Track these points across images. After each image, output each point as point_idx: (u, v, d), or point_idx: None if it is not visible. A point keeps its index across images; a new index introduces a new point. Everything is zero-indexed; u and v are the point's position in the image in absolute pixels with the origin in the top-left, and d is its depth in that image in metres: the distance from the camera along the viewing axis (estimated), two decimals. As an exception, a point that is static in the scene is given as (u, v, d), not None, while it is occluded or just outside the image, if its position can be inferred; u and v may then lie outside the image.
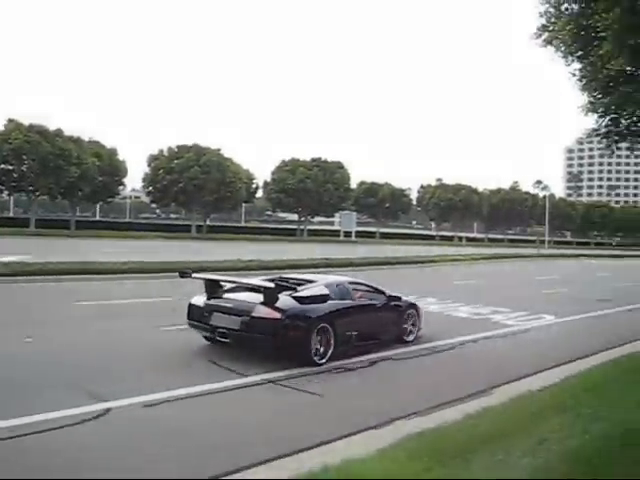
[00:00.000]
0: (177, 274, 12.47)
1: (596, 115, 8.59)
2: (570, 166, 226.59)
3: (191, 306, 11.12)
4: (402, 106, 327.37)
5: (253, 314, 10.07)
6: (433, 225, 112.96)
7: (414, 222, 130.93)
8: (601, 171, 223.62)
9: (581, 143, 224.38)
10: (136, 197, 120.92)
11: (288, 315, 10.08)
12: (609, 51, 7.08)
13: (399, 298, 12.83)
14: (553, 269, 45.54)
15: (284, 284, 11.26)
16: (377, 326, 12.10)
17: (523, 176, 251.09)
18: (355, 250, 50.74)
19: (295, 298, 10.55)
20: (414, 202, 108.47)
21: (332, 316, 10.68)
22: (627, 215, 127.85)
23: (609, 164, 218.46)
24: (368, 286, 12.75)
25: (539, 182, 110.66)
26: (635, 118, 8.28)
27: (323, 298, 10.87)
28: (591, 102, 8.66)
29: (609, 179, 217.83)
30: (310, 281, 11.79)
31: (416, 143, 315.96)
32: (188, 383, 8.65)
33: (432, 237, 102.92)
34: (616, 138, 8.68)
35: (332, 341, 10.50)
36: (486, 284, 29.63)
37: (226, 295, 11.06)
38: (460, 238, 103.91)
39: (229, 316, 10.30)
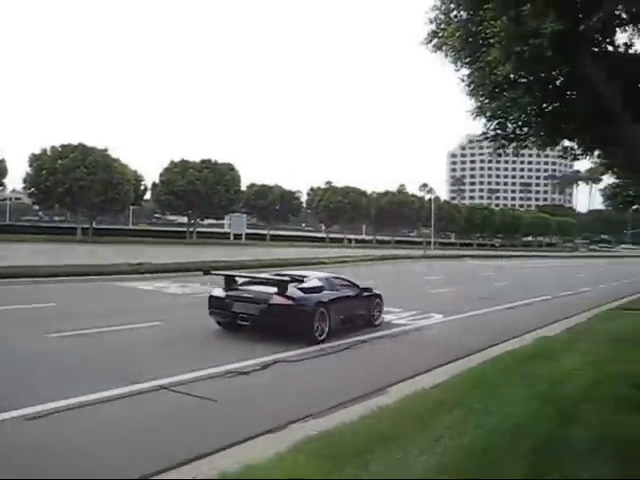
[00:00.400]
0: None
1: (484, 119, 8.88)
2: (453, 170, 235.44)
3: (212, 297, 13.58)
4: (294, 109, 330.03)
5: (270, 302, 12.58)
6: (323, 227, 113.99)
7: (304, 224, 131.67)
8: (482, 175, 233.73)
9: (463, 148, 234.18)
10: (17, 199, 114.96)
11: (297, 302, 12.68)
12: (497, 58, 7.35)
13: (370, 289, 15.82)
14: (439, 270, 47.01)
15: (286, 279, 13.70)
16: (356, 312, 14.91)
17: (410, 179, 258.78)
18: (244, 252, 50.33)
19: (300, 289, 13.20)
20: (304, 204, 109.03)
21: (327, 303, 13.34)
22: (506, 217, 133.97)
23: (489, 169, 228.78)
24: (345, 280, 15.53)
25: (425, 185, 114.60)
26: (520, 122, 8.61)
27: (319, 289, 13.64)
28: (479, 107, 8.92)
29: (489, 183, 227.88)
30: (305, 276, 14.44)
31: (306, 146, 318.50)
32: (73, 393, 8.15)
33: (322, 239, 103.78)
34: (503, 142, 8.99)
35: (327, 323, 13.15)
36: (376, 284, 30.03)
37: (242, 288, 13.65)
38: (349, 240, 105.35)
39: (249, 304, 12.77)
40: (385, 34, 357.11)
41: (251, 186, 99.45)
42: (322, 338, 12.88)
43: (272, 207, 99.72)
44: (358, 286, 15.39)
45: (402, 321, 16.78)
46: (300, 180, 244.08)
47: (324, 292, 13.71)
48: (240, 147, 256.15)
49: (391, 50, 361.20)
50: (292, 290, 12.93)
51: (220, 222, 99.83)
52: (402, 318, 17.25)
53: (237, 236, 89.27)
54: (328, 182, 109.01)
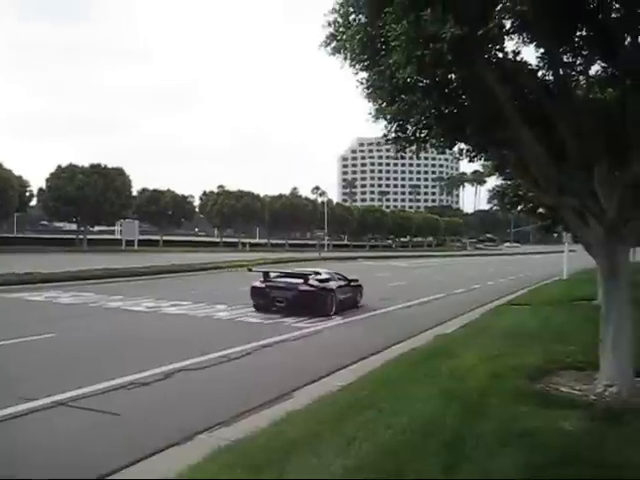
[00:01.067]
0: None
1: (384, 122, 8.97)
2: (345, 173, 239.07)
3: (253, 287, 19.31)
4: (187, 111, 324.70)
5: (299, 289, 18.53)
6: (217, 232, 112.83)
7: (197, 229, 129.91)
8: (372, 178, 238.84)
9: (354, 152, 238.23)
10: None
11: (317, 289, 18.69)
12: (397, 61, 7.43)
13: (356, 280, 21.71)
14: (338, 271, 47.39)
15: (308, 273, 20.03)
16: (349, 296, 20.63)
17: (303, 183, 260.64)
18: (137, 259, 48.90)
19: (317, 280, 19.27)
20: (197, 209, 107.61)
21: (334, 290, 19.31)
22: (397, 219, 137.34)
23: (379, 171, 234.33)
24: (340, 274, 21.30)
25: (317, 188, 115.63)
26: (420, 125, 8.78)
27: (328, 280, 19.78)
28: (378, 109, 9.00)
29: (380, 185, 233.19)
30: (317, 272, 20.57)
31: (199, 149, 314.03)
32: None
33: (216, 244, 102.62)
34: (404, 144, 9.13)
35: (335, 303, 19.05)
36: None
37: (276, 280, 19.53)
38: (244, 244, 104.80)
39: (284, 291, 18.66)
40: (282, 35, 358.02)
41: (143, 191, 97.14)
42: (332, 313, 18.66)
43: (165, 212, 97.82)
44: (347, 278, 21.19)
45: (303, 324, 16.84)
46: (193, 184, 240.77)
47: (331, 282, 19.79)
48: (132, 152, 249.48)
49: (287, 52, 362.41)
50: (311, 281, 18.98)
51: (111, 228, 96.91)
52: (303, 321, 17.30)
53: (129, 242, 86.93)
54: (221, 186, 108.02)
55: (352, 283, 21.28)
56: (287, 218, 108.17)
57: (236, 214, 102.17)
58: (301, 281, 18.90)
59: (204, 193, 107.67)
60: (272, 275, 19.91)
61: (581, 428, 6.99)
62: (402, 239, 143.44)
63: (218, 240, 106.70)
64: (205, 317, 17.93)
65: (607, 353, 8.77)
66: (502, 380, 9.04)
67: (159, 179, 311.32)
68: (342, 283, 20.47)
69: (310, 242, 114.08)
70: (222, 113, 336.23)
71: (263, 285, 19.17)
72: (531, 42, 8.37)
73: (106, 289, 25.22)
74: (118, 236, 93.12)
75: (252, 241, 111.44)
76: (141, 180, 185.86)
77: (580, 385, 9.09)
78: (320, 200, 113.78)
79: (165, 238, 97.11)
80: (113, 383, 9.55)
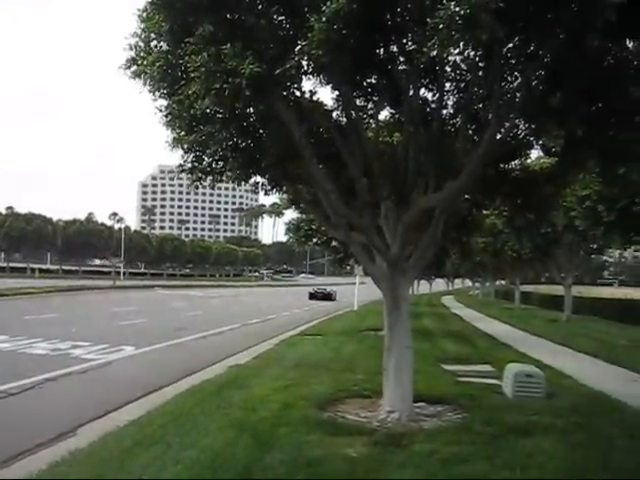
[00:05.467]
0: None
1: (182, 151, 8.89)
2: (145, 200, 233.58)
3: (310, 293, 61.97)
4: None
5: (328, 291, 62.58)
6: (3, 256, 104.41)
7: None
8: (172, 206, 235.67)
9: (155, 179, 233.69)
10: None
11: (333, 292, 62.37)
12: (196, 92, 7.43)
13: (334, 292, 62.18)
14: (130, 300, 45.91)
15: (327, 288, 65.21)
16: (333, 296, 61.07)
17: (100, 208, 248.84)
18: None
19: (332, 291, 62.67)
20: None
21: (333, 292, 62.33)
22: (196, 248, 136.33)
23: (180, 200, 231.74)
24: (330, 288, 64.85)
25: (115, 214, 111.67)
26: (217, 157, 8.80)
27: (332, 290, 63.03)
28: (176, 139, 8.91)
29: (180, 214, 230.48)
30: (329, 287, 67.59)
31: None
32: None
33: (2, 269, 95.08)
34: (200, 175, 9.09)
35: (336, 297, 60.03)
36: (63, 317, 28.44)
37: (318, 289, 64.47)
38: (33, 270, 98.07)
39: (322, 293, 62.03)
40: (86, 55, 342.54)
41: None
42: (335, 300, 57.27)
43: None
44: (331, 290, 62.49)
45: (91, 355, 16.03)
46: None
47: (332, 290, 62.66)
48: None
49: (88, 70, 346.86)
50: (331, 289, 63.01)
51: None
52: (92, 352, 16.50)
53: None
54: (9, 207, 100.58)
55: (334, 289, 62.38)
56: (81, 244, 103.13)
57: (26, 238, 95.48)
58: (330, 290, 61.82)
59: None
60: (315, 289, 63.28)
61: (364, 453, 7.31)
62: (200, 269, 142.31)
63: (4, 265, 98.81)
64: (-20, 350, 16.40)
65: (389, 381, 9.30)
66: (292, 410, 9.23)
67: None
68: (334, 290, 62.09)
69: (106, 269, 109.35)
70: (18, 131, 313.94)
71: (313, 291, 61.88)
72: (327, 84, 8.75)
73: None
74: None
75: (43, 267, 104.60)
76: None
77: (365, 412, 9.53)
78: (117, 226, 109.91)
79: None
80: None
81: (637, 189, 15.64)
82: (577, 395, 11.28)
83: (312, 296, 59.26)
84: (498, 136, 8.87)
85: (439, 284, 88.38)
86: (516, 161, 10.74)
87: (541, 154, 10.89)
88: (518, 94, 8.39)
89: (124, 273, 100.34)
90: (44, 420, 9.61)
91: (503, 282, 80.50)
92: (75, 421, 9.31)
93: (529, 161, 11.26)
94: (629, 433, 8.40)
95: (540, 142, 9.91)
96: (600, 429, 8.55)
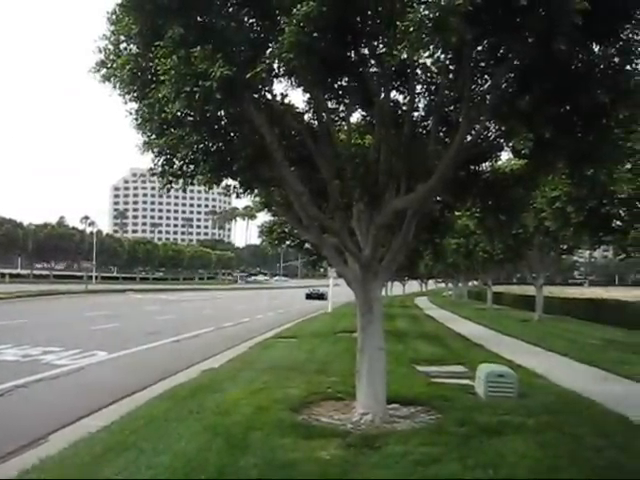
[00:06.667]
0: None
1: (152, 155, 8.82)
2: (117, 203, 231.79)
3: (307, 293, 71.40)
4: None
5: (321, 292, 66.21)
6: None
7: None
8: (145, 209, 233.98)
9: (127, 182, 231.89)
10: None
11: (325, 293, 57.37)
12: (166, 95, 7.38)
13: (326, 292, 55.84)
14: (103, 305, 45.50)
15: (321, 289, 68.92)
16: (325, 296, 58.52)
17: (72, 211, 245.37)
18: None
19: (324, 291, 60.06)
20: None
21: (325, 293, 57.89)
22: (169, 251, 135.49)
23: (152, 203, 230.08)
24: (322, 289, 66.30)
25: (87, 218, 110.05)
26: (188, 160, 8.72)
27: (325, 291, 60.24)
28: (147, 142, 8.83)
29: (152, 217, 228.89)
30: (321, 288, 68.47)
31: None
32: None
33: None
34: (171, 178, 9.02)
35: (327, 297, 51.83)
36: (34, 323, 28.14)
37: (313, 290, 72.60)
38: (3, 275, 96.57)
39: (316, 293, 68.75)
40: (59, 56, 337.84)
41: None
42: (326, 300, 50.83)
43: None
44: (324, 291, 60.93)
45: (63, 361, 15.85)
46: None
47: (325, 290, 59.11)
48: None
49: (59, 73, 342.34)
50: (324, 290, 60.98)
51: None
52: (63, 358, 16.31)
53: None
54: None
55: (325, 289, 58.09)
56: (53, 248, 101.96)
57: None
58: (323, 290, 60.40)
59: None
60: (310, 290, 71.19)
61: (338, 456, 7.30)
62: (174, 272, 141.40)
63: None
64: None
65: (362, 383, 9.32)
66: (266, 413, 9.19)
67: None
68: (324, 290, 60.41)
69: (78, 274, 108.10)
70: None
71: (309, 292, 70.42)
72: (298, 87, 8.75)
73: None
74: None
75: (13, 272, 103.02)
76: None
77: (339, 414, 9.54)
78: (89, 230, 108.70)
79: None
80: None
81: (605, 190, 15.89)
82: (548, 394, 11.40)
83: (308, 296, 68.91)
84: (469, 138, 8.93)
85: (413, 285, 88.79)
86: (487, 163, 10.83)
87: (512, 156, 10.98)
88: (488, 97, 8.46)
89: (96, 277, 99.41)
90: (14, 427, 9.45)
91: (476, 283, 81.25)
92: (46, 428, 9.18)
93: (500, 163, 11.36)
94: (598, 431, 8.53)
95: (510, 144, 9.99)
96: (570, 428, 8.65)
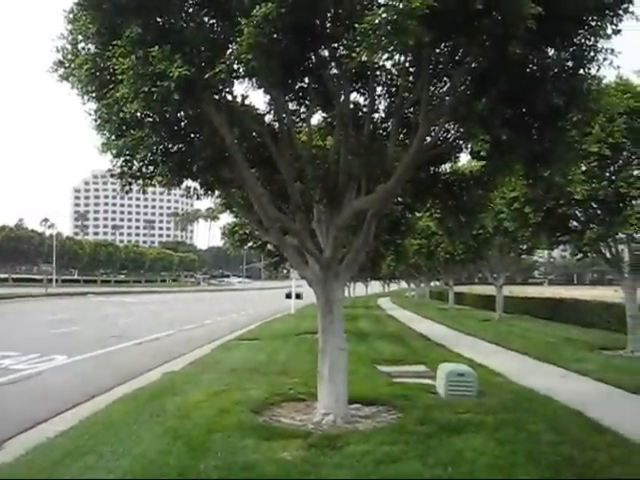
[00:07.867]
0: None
1: (111, 156, 8.70)
2: (77, 205, 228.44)
3: (286, 294, 43.53)
4: None
5: (298, 292, 39.35)
6: None
7: None
8: (106, 211, 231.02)
9: (87, 184, 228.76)
10: None
11: (301, 293, 38.13)
12: (124, 95, 7.31)
13: (301, 292, 38.28)
14: (63, 308, 44.85)
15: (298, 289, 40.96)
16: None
17: (31, 213, 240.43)
18: None
19: (300, 292, 38.52)
20: None
21: (301, 293, 38.49)
22: (131, 254, 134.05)
23: (114, 205, 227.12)
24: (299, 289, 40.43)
25: (46, 220, 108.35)
26: (147, 161, 8.63)
27: (301, 291, 38.26)
28: (105, 143, 8.71)
29: (114, 219, 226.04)
30: (299, 289, 39.22)
31: None
32: None
33: None
34: (130, 180, 8.93)
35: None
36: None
37: (290, 289, 41.71)
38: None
39: (294, 292, 40.29)
40: (16, 55, 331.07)
41: None
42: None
43: None
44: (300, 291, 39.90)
45: (21, 365, 15.61)
46: None
47: (301, 291, 37.56)
48: None
49: (16, 72, 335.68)
50: (299, 290, 38.30)
51: None
52: (21, 362, 16.08)
53: None
54: None
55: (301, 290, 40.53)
56: (11, 251, 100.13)
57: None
58: (298, 291, 39.85)
59: None
60: (289, 290, 43.90)
61: (299, 456, 7.31)
62: (135, 275, 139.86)
63: None
64: None
65: (324, 383, 9.34)
66: (227, 415, 9.16)
67: None
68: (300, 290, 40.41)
69: (38, 277, 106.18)
70: None
71: (288, 292, 43.58)
72: (259, 88, 8.73)
73: None
74: None
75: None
76: None
77: (300, 415, 9.56)
78: (49, 233, 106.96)
79: None
80: None
81: (562, 191, 16.16)
82: (507, 392, 11.57)
83: (287, 296, 61.88)
84: (428, 140, 9.04)
85: (375, 286, 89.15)
86: (447, 164, 10.95)
87: (470, 157, 11.13)
88: (447, 99, 8.58)
89: (57, 280, 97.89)
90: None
91: (438, 283, 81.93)
92: (2, 434, 9.03)
93: (459, 164, 11.50)
94: (555, 427, 8.70)
95: (468, 146, 10.12)
96: (528, 424, 8.80)
